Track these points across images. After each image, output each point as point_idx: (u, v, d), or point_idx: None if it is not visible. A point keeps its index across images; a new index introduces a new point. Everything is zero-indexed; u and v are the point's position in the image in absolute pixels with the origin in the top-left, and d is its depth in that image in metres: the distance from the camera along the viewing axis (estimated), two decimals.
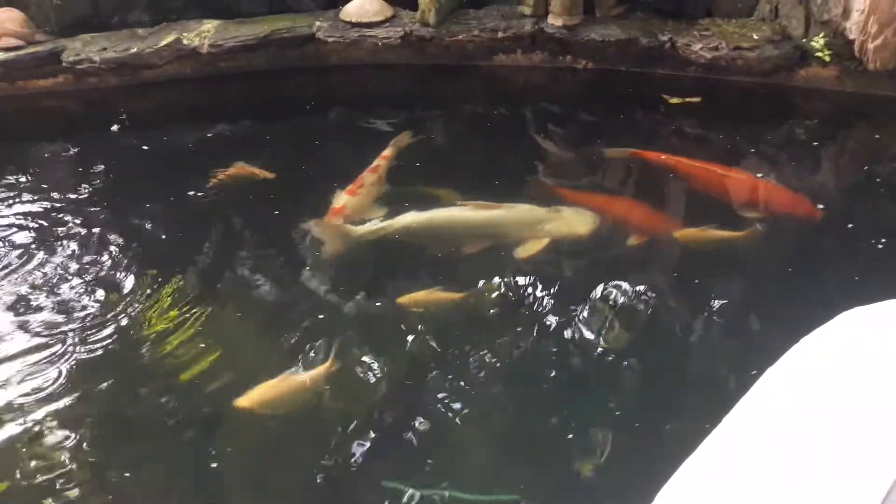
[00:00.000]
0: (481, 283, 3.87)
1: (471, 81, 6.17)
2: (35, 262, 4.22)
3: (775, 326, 3.37)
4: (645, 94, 5.71)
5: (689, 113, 5.43)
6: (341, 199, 4.43)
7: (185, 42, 6.22)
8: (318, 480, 2.95)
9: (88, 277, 4.08)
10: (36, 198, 4.94)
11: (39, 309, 3.86)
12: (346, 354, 3.47)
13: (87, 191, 5.02)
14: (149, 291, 3.92)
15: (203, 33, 6.28)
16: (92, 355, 3.53)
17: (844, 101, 5.42)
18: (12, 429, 3.18)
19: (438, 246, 4.21)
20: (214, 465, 3.04)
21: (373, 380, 3.37)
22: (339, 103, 6.13)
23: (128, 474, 3.03)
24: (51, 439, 3.14)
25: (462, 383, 3.31)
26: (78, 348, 3.56)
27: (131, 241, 4.41)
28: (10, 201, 4.91)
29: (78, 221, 4.63)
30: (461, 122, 5.87)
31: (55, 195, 4.97)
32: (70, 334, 3.65)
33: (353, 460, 3.00)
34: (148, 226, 4.62)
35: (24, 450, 3.10)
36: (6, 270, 4.14)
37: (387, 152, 4.90)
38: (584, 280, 3.89)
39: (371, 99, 6.19)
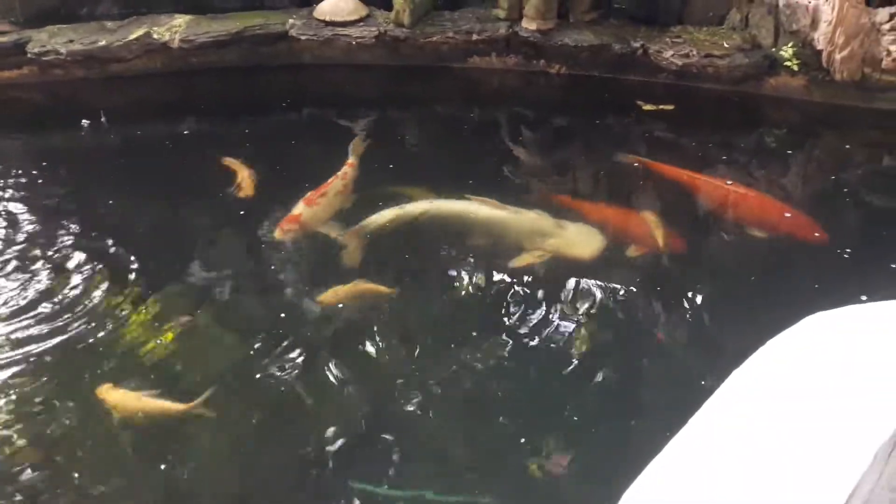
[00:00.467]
0: (452, 278, 3.88)
1: (444, 83, 6.17)
2: None
3: (740, 331, 3.40)
4: (618, 100, 5.75)
5: (662, 119, 5.49)
6: (298, 208, 4.31)
7: (155, 36, 6.13)
8: (286, 482, 2.91)
9: (46, 272, 4.00)
10: None
11: None
12: (312, 355, 3.44)
13: (49, 183, 4.93)
14: (105, 285, 3.86)
15: (174, 28, 6.19)
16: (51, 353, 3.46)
17: (812, 110, 5.51)
18: None
19: (443, 234, 4.19)
20: (173, 468, 2.99)
21: (338, 380, 3.34)
22: (312, 102, 6.07)
23: (79, 475, 2.96)
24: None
25: (431, 381, 3.29)
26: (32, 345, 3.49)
27: (94, 236, 4.33)
28: None
29: (37, 215, 4.53)
30: (434, 123, 5.86)
31: (16, 187, 4.87)
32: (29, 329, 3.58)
33: (320, 462, 2.97)
34: (113, 221, 4.53)
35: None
36: None
37: (351, 160, 4.78)
38: (561, 282, 3.89)
39: (344, 98, 6.16)
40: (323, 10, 6.26)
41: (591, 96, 5.89)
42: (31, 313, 3.68)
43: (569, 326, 3.60)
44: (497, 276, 3.92)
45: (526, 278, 3.89)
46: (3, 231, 4.38)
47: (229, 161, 4.86)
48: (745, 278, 3.97)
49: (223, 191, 4.65)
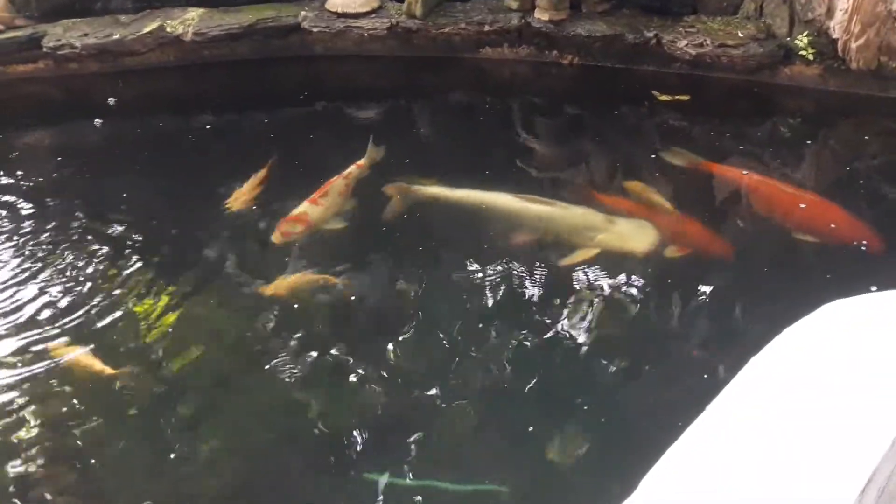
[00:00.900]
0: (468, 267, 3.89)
1: (457, 74, 6.15)
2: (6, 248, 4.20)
3: (756, 322, 3.39)
4: (633, 91, 5.72)
5: (677, 109, 5.45)
6: (302, 207, 4.25)
7: (168, 30, 6.16)
8: (298, 474, 2.93)
9: (64, 263, 4.04)
10: (12, 183, 4.87)
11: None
12: (330, 343, 3.46)
13: (64, 177, 4.97)
14: (125, 273, 3.92)
15: (187, 21, 6.22)
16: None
17: (827, 99, 5.46)
18: None
19: (487, 227, 4.16)
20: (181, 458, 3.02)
21: (356, 369, 3.36)
22: (325, 94, 6.08)
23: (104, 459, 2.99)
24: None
25: (446, 371, 3.30)
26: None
27: (112, 229, 4.37)
28: None
29: (53, 209, 4.57)
30: (447, 114, 5.86)
31: (33, 181, 4.91)
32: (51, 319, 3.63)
33: (334, 453, 2.98)
34: (127, 214, 4.55)
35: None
36: None
37: (361, 161, 4.70)
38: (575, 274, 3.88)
39: (356, 90, 6.17)
40: (335, 2, 6.26)
41: (604, 87, 5.86)
42: (51, 309, 3.73)
43: (598, 322, 3.58)
44: (545, 272, 3.88)
45: (567, 273, 3.85)
46: (18, 223, 4.41)
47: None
48: (758, 269, 3.92)
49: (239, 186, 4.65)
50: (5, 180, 4.92)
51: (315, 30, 6.20)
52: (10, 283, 3.92)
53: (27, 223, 4.44)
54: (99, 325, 3.62)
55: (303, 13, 6.28)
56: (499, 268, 3.95)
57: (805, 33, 5.50)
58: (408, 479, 2.84)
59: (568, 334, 3.51)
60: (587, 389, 3.22)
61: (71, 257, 4.10)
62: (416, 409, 3.16)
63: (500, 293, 3.81)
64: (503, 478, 2.82)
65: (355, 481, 2.86)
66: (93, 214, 4.52)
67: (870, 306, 1.76)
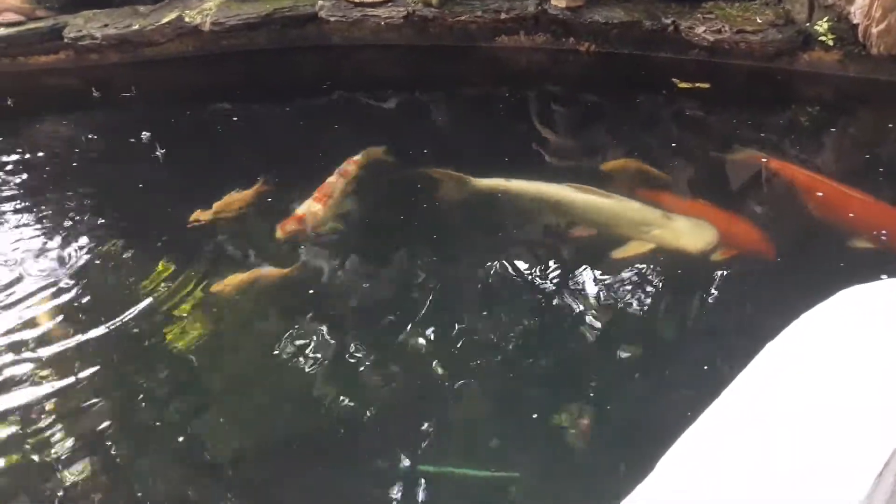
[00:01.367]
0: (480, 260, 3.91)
1: (473, 63, 6.15)
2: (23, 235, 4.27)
3: (774, 307, 3.38)
4: (651, 78, 5.69)
5: (697, 97, 5.41)
6: (305, 206, 4.20)
7: (186, 20, 6.21)
8: (312, 464, 2.96)
9: (84, 252, 4.09)
10: (33, 174, 4.94)
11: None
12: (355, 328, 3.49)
13: (84, 167, 5.02)
14: (144, 263, 3.95)
15: (205, 11, 6.26)
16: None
17: (847, 85, 5.41)
18: None
19: (544, 219, 4.18)
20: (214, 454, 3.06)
21: (385, 354, 3.39)
22: (342, 83, 6.09)
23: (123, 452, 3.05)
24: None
25: (460, 359, 3.31)
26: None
27: (127, 218, 4.41)
28: (8, 177, 4.91)
29: (73, 198, 4.62)
30: (464, 103, 5.86)
31: (52, 171, 4.97)
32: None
33: (344, 440, 3.00)
34: (143, 206, 4.58)
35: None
36: None
37: (358, 158, 4.61)
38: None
39: (373, 79, 6.18)
40: None
41: (622, 74, 5.83)
42: (70, 303, 3.77)
43: (618, 311, 3.56)
44: (600, 266, 3.80)
45: (594, 263, 3.82)
46: (40, 216, 4.48)
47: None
48: (779, 255, 3.87)
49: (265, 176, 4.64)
50: (27, 170, 4.98)
51: (332, 19, 6.22)
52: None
53: (40, 210, 4.50)
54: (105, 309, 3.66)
55: (320, 2, 6.31)
56: (523, 256, 3.97)
57: (825, 18, 5.44)
58: (420, 466, 2.85)
59: (586, 322, 3.51)
60: (603, 378, 3.22)
61: (84, 247, 4.14)
62: (431, 397, 3.17)
63: (520, 282, 3.81)
64: (516, 465, 2.84)
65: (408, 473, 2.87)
66: (107, 205, 4.55)
67: (886, 292, 1.76)
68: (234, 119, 5.63)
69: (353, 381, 3.27)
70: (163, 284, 3.81)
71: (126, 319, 3.57)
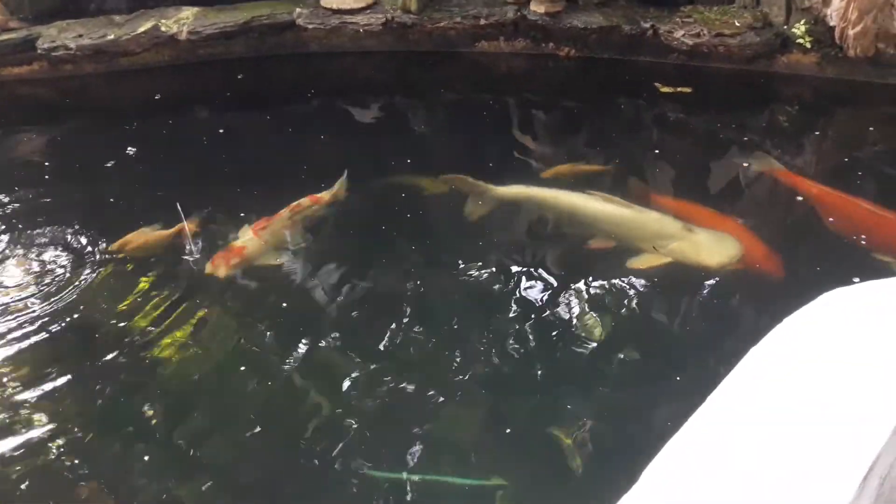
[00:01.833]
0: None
1: (453, 68, 6.14)
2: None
3: (761, 309, 3.38)
4: (631, 83, 5.70)
5: (678, 101, 5.42)
6: (241, 240, 3.97)
7: (162, 29, 6.14)
8: (299, 470, 2.92)
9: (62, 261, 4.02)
10: (6, 184, 4.86)
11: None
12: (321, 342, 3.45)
13: (60, 179, 4.94)
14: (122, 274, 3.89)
15: (181, 20, 6.20)
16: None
17: (825, 87, 5.45)
18: None
19: (563, 228, 4.08)
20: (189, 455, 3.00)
21: (351, 366, 3.34)
22: (321, 91, 6.05)
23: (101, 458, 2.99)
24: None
25: (450, 367, 3.28)
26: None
27: (100, 235, 4.30)
28: None
29: (48, 211, 4.54)
30: (445, 109, 5.84)
31: (27, 183, 4.89)
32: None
33: (333, 450, 2.96)
34: (119, 217, 4.50)
35: None
36: None
37: (324, 195, 4.32)
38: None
39: (352, 86, 6.15)
40: None
41: (603, 79, 5.84)
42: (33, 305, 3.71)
43: (609, 318, 3.52)
44: (614, 278, 3.71)
45: (586, 269, 3.77)
46: (11, 226, 4.39)
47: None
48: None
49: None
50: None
51: (310, 26, 6.19)
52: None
53: (19, 222, 4.42)
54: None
55: (297, 10, 6.27)
56: (518, 261, 3.93)
57: (802, 21, 5.48)
58: (408, 475, 2.82)
59: (575, 327, 3.48)
60: (591, 385, 3.21)
61: (60, 257, 4.07)
62: (419, 405, 3.14)
63: (512, 288, 3.77)
64: (505, 473, 2.80)
65: (358, 477, 2.85)
66: (84, 218, 4.45)
67: (869, 294, 1.75)
68: (213, 129, 5.56)
69: (339, 388, 3.24)
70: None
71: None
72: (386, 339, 3.46)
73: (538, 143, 5.21)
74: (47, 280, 3.88)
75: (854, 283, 1.78)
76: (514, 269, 3.89)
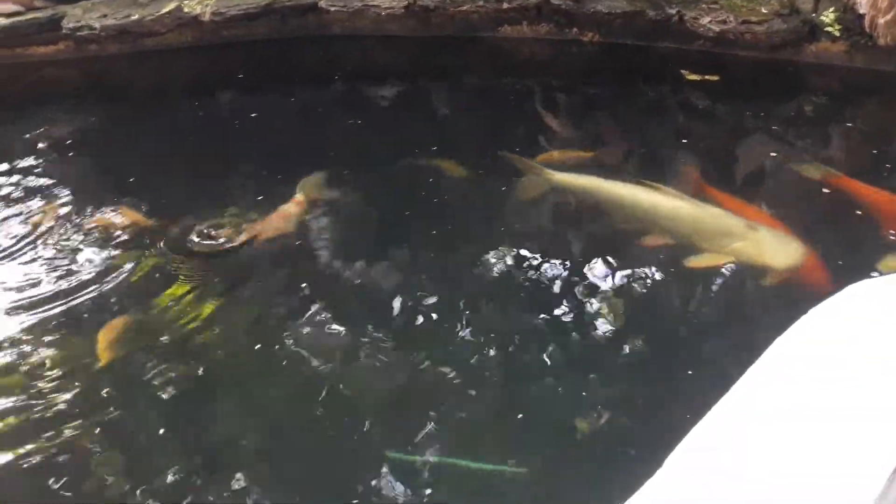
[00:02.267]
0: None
1: (475, 53, 6.09)
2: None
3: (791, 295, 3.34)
4: (657, 69, 5.62)
5: (703, 89, 5.34)
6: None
7: (186, 10, 6.16)
8: (320, 454, 2.94)
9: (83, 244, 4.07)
10: (33, 166, 4.90)
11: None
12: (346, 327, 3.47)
13: (87, 160, 4.98)
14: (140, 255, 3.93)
15: (204, 1, 6.21)
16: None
17: (854, 76, 5.34)
18: None
19: (617, 221, 3.95)
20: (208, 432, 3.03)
21: (372, 352, 3.36)
22: (343, 74, 6.04)
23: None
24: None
25: (468, 352, 3.28)
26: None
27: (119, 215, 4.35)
28: (8, 166, 4.87)
29: (72, 192, 4.58)
30: (467, 94, 5.81)
31: (54, 164, 4.93)
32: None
33: (355, 433, 2.98)
34: (141, 195, 4.53)
35: None
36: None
37: (289, 208, 4.08)
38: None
39: (374, 70, 6.13)
40: None
41: (627, 65, 5.76)
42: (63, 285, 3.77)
43: (630, 305, 3.46)
44: (671, 276, 3.60)
45: (603, 262, 3.69)
46: (27, 204, 4.44)
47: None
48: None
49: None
50: (25, 162, 4.95)
51: (332, 9, 6.17)
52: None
53: (33, 204, 4.47)
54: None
55: None
56: (561, 250, 3.87)
57: (831, 9, 5.38)
58: (427, 457, 2.84)
59: (593, 316, 3.46)
60: (612, 373, 3.19)
61: (73, 242, 4.11)
62: (438, 389, 3.14)
63: (534, 276, 3.74)
64: (523, 460, 2.81)
65: (377, 459, 2.86)
66: (103, 200, 4.49)
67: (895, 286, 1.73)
68: (237, 110, 5.57)
69: (356, 372, 3.26)
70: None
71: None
72: (417, 323, 3.46)
73: (562, 128, 5.15)
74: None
75: None
76: (557, 259, 3.80)
